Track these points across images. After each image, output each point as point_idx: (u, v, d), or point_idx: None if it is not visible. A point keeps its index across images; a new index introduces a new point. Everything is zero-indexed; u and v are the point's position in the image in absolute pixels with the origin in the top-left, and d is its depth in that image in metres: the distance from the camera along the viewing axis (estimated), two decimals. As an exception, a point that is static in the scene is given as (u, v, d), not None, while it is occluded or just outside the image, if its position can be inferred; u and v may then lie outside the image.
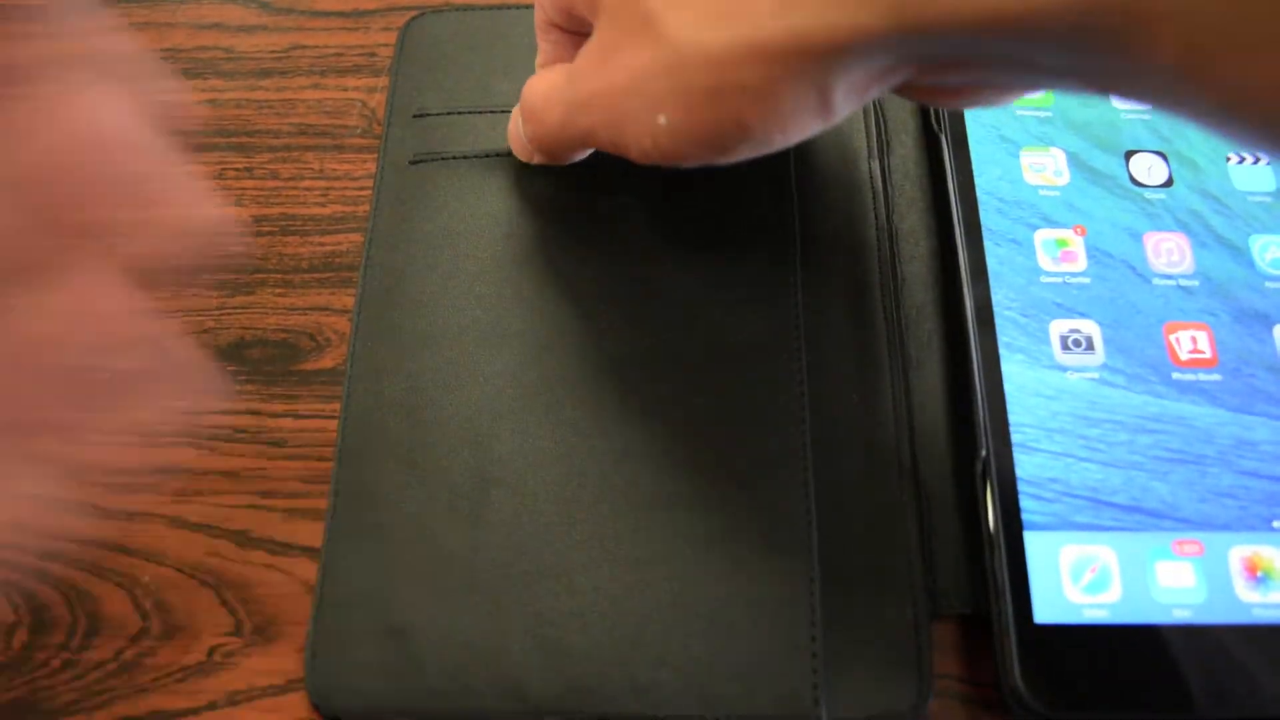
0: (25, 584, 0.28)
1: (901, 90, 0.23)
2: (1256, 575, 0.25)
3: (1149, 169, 0.31)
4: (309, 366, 0.30)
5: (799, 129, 0.22)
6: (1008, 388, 0.27)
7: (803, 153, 0.31)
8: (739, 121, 0.21)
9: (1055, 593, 0.25)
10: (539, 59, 0.29)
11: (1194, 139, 0.31)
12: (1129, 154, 0.31)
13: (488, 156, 0.31)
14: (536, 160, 0.29)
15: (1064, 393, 0.27)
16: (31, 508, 0.29)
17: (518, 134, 0.29)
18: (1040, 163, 0.31)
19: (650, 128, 0.22)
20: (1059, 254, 0.29)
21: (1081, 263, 0.29)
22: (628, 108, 0.23)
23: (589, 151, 0.28)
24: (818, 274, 0.30)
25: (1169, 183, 0.31)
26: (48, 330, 0.26)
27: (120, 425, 0.30)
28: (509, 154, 0.31)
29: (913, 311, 0.30)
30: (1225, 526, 0.26)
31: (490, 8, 0.35)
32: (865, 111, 0.33)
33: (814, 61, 0.20)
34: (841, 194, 0.31)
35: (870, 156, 0.32)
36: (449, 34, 0.34)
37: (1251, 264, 0.29)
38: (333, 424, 0.28)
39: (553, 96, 0.26)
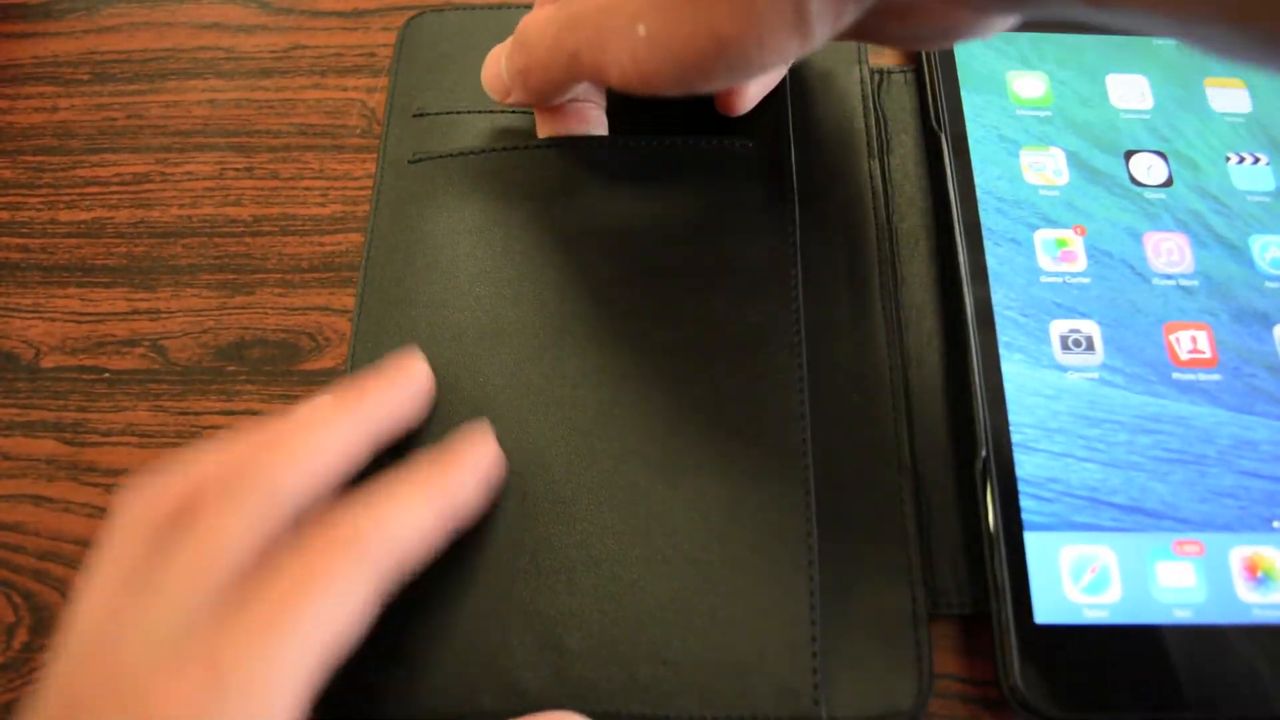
0: (25, 584, 0.28)
1: (872, 29, 0.23)
2: (1257, 575, 0.25)
3: (1149, 168, 0.31)
4: (309, 366, 0.30)
5: (776, 46, 0.21)
6: (1008, 387, 0.27)
7: (802, 152, 0.31)
8: (715, 33, 0.21)
9: (1055, 593, 0.25)
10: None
11: (1194, 139, 0.31)
12: (1129, 153, 0.31)
13: (487, 155, 0.31)
14: (513, 99, 0.28)
15: (1064, 392, 0.27)
16: (32, 508, 0.29)
17: (497, 72, 0.28)
18: (1040, 162, 0.31)
19: (630, 42, 0.23)
20: (1059, 254, 0.29)
21: (1081, 262, 0.29)
22: (611, 23, 0.23)
23: (568, 95, 0.28)
24: (817, 272, 0.30)
25: (1169, 182, 0.31)
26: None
27: (120, 425, 0.30)
28: (509, 152, 0.30)
29: (912, 311, 0.30)
30: (1225, 527, 0.26)
31: (490, 7, 0.35)
32: (865, 111, 0.33)
33: None
34: (841, 193, 0.31)
35: (870, 156, 0.32)
36: (449, 33, 0.34)
37: (1251, 264, 0.29)
38: (333, 424, 0.28)
39: (545, 23, 0.26)
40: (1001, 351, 0.28)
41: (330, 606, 0.20)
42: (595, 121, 0.30)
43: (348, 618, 0.20)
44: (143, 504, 0.22)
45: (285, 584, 0.20)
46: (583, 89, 0.29)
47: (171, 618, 0.20)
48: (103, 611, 0.21)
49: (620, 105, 0.32)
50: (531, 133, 0.31)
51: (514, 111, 0.32)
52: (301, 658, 0.19)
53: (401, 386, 0.25)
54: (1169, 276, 0.29)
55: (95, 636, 0.20)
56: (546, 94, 0.28)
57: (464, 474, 0.24)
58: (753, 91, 0.30)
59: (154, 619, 0.20)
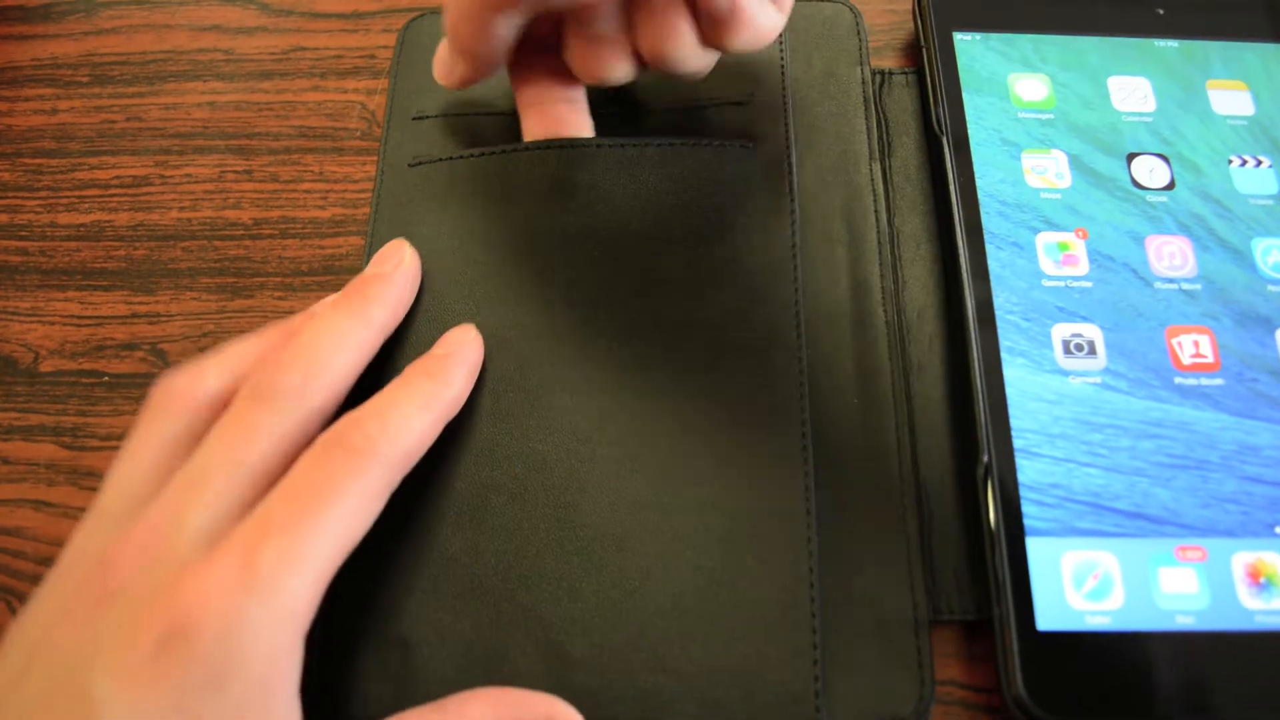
0: (26, 590, 0.28)
1: None
2: (1259, 582, 0.25)
3: (1151, 171, 0.31)
4: (309, 370, 0.30)
5: None
6: (1009, 392, 0.27)
7: (804, 154, 0.31)
8: None
9: (1058, 599, 0.25)
10: None
11: (1196, 142, 0.31)
12: (1131, 156, 0.31)
13: (487, 158, 0.31)
14: (458, 73, 0.28)
15: (1066, 397, 0.27)
16: (32, 513, 0.29)
17: (442, 56, 0.29)
18: (1042, 165, 0.31)
19: None
20: (1061, 257, 0.29)
21: (1083, 266, 0.29)
22: None
23: (501, 42, 0.27)
24: (817, 275, 0.29)
25: (1171, 185, 0.31)
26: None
27: (120, 430, 0.30)
28: (509, 154, 0.30)
29: (914, 315, 0.30)
30: (1228, 532, 0.26)
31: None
32: (866, 113, 0.32)
33: None
34: (842, 196, 0.31)
35: (871, 158, 0.32)
36: (448, 35, 0.34)
37: (1254, 267, 0.29)
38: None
39: None
40: (1003, 355, 0.28)
41: (348, 510, 0.22)
42: (578, 124, 0.30)
43: (363, 518, 0.22)
44: (181, 388, 0.24)
45: (310, 489, 0.22)
46: (552, 84, 0.29)
47: (209, 506, 0.22)
48: (142, 482, 0.23)
49: (622, 108, 0.32)
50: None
51: (514, 114, 0.32)
52: (322, 553, 0.21)
53: (399, 282, 0.27)
54: (1171, 280, 0.29)
55: (134, 504, 0.22)
56: (481, 49, 0.27)
57: (455, 375, 0.26)
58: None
59: (193, 503, 0.22)
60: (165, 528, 0.21)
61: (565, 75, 0.29)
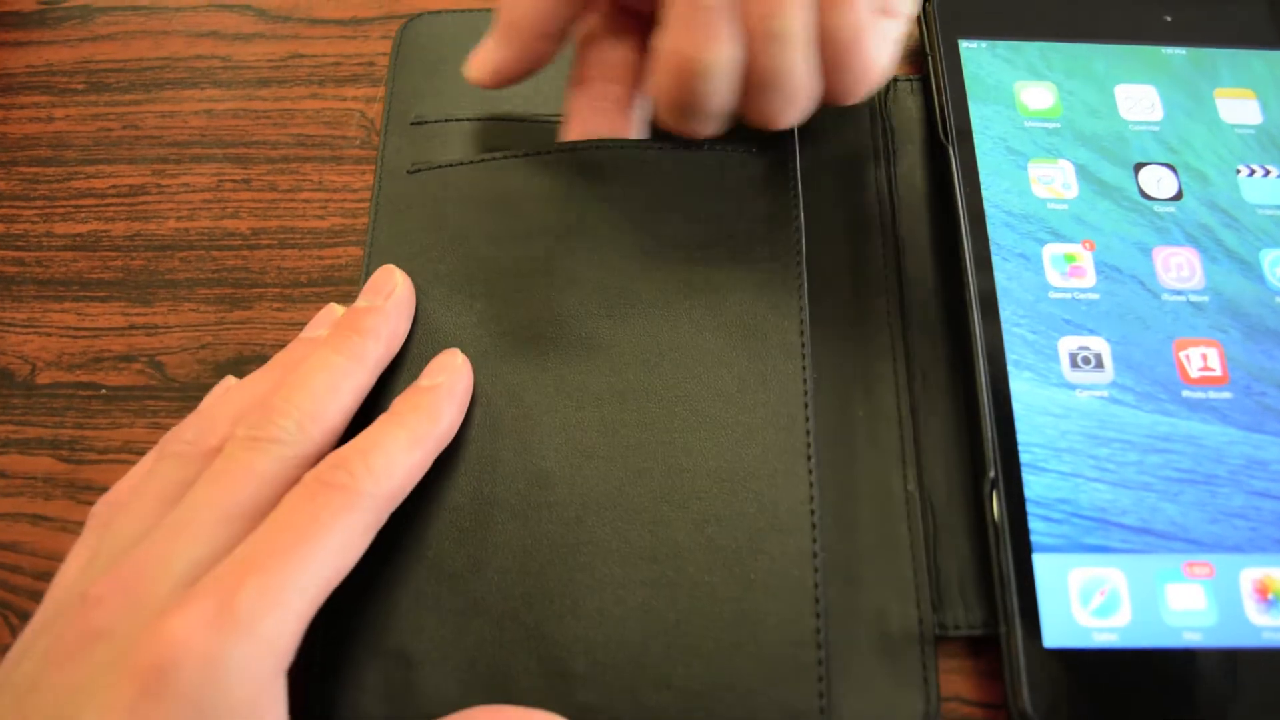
0: (22, 605, 0.28)
1: None
2: (1267, 598, 0.25)
3: (1158, 181, 0.30)
4: (308, 383, 0.30)
5: None
6: (1016, 406, 0.27)
7: (808, 162, 0.31)
8: None
9: (1064, 616, 0.25)
10: None
11: (1203, 151, 0.31)
12: (1138, 166, 0.31)
13: (486, 164, 0.31)
14: (499, 60, 0.27)
15: (1073, 411, 0.27)
16: (29, 527, 0.29)
17: (480, 51, 0.28)
18: (1048, 175, 0.30)
19: None
20: (1067, 269, 0.29)
21: (1090, 278, 0.29)
22: None
23: (561, 24, 0.26)
24: (822, 285, 0.29)
25: (1178, 196, 0.30)
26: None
27: (117, 443, 0.29)
28: (508, 160, 0.30)
29: (919, 327, 0.29)
30: (1236, 548, 0.25)
31: (489, 9, 0.34)
32: (871, 119, 0.32)
33: None
34: (847, 202, 0.31)
35: (876, 166, 0.32)
36: (445, 37, 0.34)
37: (1262, 279, 0.29)
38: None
39: None
40: (1010, 369, 0.27)
41: (331, 548, 0.22)
42: (626, 119, 0.28)
43: (347, 555, 0.22)
44: (183, 438, 0.25)
45: (291, 528, 0.22)
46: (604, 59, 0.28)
47: (194, 549, 0.22)
48: (134, 524, 0.23)
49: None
50: (530, 138, 0.31)
51: (512, 120, 0.32)
52: (302, 591, 0.21)
53: (393, 314, 0.27)
54: (1179, 292, 0.29)
55: (125, 543, 0.23)
56: (535, 23, 0.26)
57: (444, 408, 0.26)
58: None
59: (178, 544, 0.22)
60: (151, 568, 0.21)
61: (628, 76, 0.28)
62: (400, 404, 0.25)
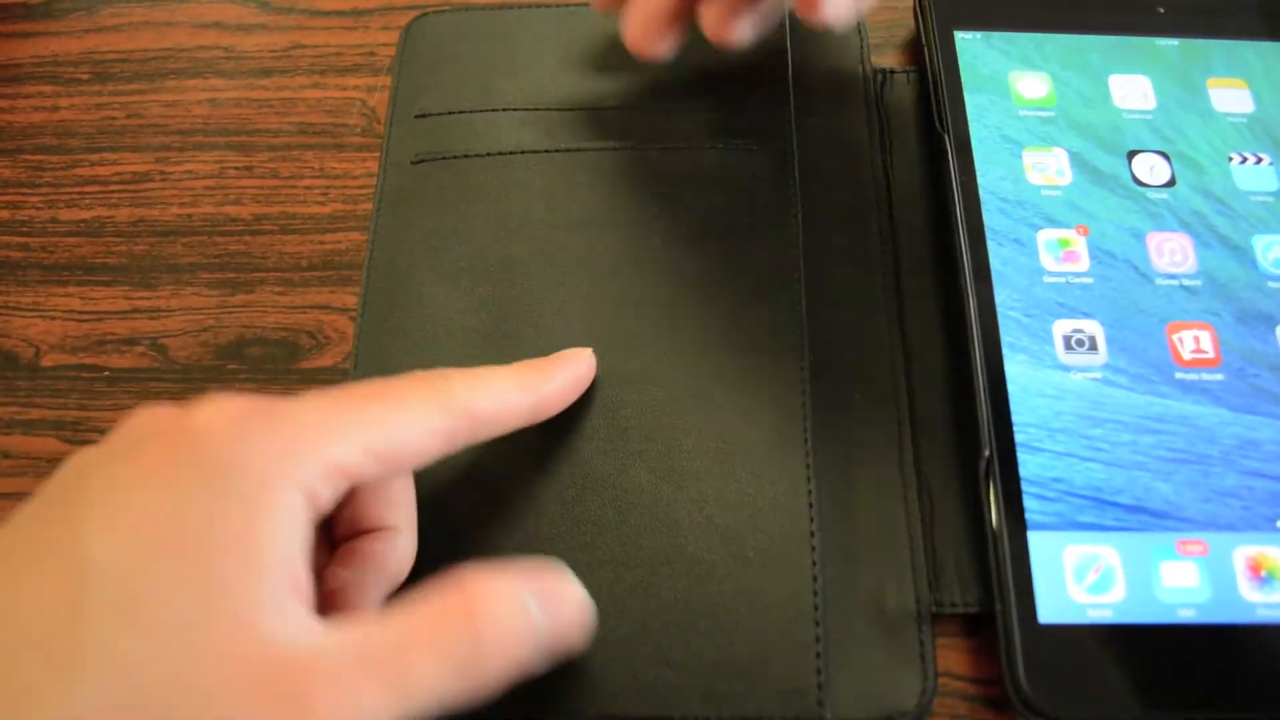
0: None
1: None
2: (1260, 575, 0.25)
3: (1151, 169, 0.31)
4: (309, 365, 0.30)
5: None
6: (1011, 388, 0.27)
7: (806, 151, 0.31)
8: None
9: (1059, 593, 0.25)
10: None
11: (1196, 139, 0.31)
12: (1131, 154, 0.31)
13: (491, 158, 0.31)
14: None
15: (1067, 393, 0.27)
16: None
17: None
18: (1043, 163, 0.31)
19: None
20: (1062, 254, 0.29)
21: (1084, 263, 0.29)
22: None
23: None
24: (819, 273, 0.29)
25: (1171, 183, 0.31)
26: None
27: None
28: (512, 155, 0.31)
29: (915, 311, 0.30)
30: (1229, 526, 0.26)
31: (492, 8, 0.35)
32: (868, 110, 0.32)
33: None
34: (844, 193, 0.31)
35: (872, 156, 0.32)
36: (451, 34, 0.34)
37: (1254, 264, 0.29)
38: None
39: None
40: (1005, 351, 0.28)
41: (401, 418, 0.21)
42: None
43: (412, 437, 0.21)
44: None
45: (374, 386, 0.21)
46: None
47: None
48: None
49: (626, 111, 0.32)
50: (532, 134, 0.31)
51: (517, 109, 0.32)
52: (363, 433, 0.20)
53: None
54: (1172, 277, 0.29)
55: None
56: None
57: (558, 372, 0.26)
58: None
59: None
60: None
61: None
62: (517, 363, 0.25)
